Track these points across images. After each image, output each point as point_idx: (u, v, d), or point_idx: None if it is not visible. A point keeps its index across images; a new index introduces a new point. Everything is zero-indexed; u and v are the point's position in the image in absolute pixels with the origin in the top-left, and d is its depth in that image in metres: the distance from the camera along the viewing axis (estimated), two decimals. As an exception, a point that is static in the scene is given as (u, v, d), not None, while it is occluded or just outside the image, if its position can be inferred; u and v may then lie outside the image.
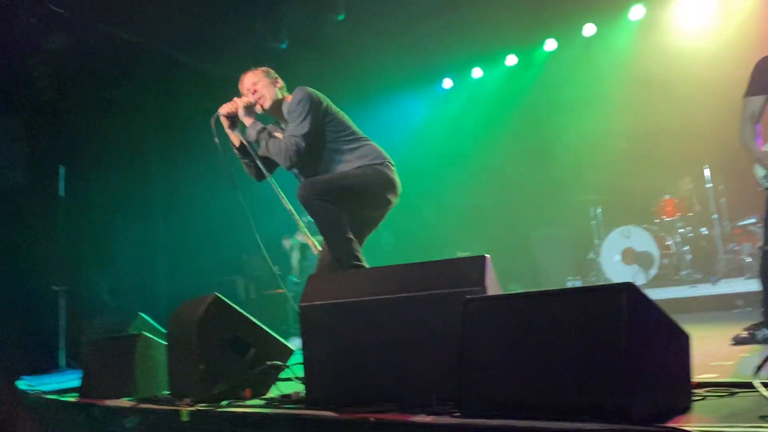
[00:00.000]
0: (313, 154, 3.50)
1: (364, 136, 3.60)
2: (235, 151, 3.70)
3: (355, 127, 3.60)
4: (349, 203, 3.35)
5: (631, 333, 1.68)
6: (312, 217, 3.28)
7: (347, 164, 3.45)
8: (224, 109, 3.59)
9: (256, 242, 3.70)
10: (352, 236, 3.29)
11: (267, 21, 7.75)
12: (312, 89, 3.50)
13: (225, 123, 3.62)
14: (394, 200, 3.55)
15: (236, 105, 3.58)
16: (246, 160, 3.71)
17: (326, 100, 3.54)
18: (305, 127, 3.39)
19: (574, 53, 8.61)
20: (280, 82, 3.70)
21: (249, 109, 3.57)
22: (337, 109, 3.59)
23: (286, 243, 8.91)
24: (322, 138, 3.48)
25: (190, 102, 8.19)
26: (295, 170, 3.65)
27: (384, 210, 3.60)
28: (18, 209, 7.06)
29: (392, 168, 3.54)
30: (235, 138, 3.66)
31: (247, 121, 3.56)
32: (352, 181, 3.38)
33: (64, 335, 6.36)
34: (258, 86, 3.62)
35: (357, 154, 3.48)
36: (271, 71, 3.73)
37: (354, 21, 7.84)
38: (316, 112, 3.44)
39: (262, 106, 3.62)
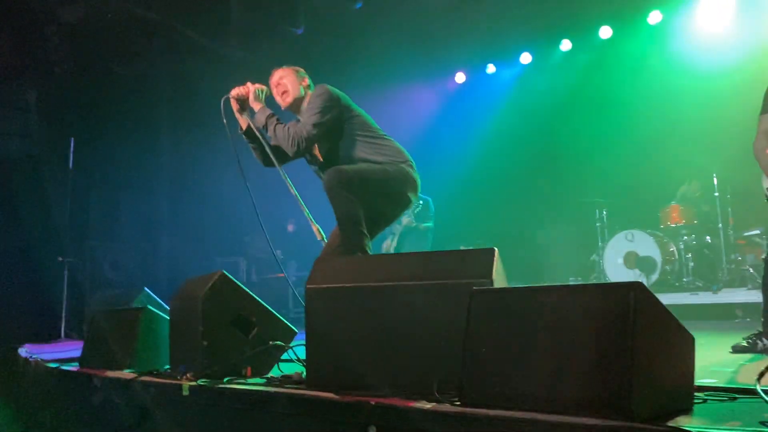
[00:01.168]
0: (333, 150, 3.52)
1: (386, 134, 3.62)
2: (242, 134, 3.72)
3: (377, 126, 3.63)
4: (371, 196, 3.38)
5: (637, 331, 1.69)
6: (332, 203, 3.30)
7: (369, 160, 3.47)
8: (235, 91, 3.63)
9: (260, 225, 3.73)
10: (365, 231, 3.31)
11: (284, 5, 7.74)
12: (332, 87, 3.53)
13: (234, 106, 3.65)
14: (414, 199, 3.58)
15: (248, 89, 3.61)
16: (253, 145, 3.73)
17: (347, 99, 3.57)
18: (319, 118, 3.42)
19: (589, 55, 8.58)
20: (307, 81, 3.72)
21: (259, 94, 3.59)
22: (359, 108, 3.61)
23: (290, 227, 8.94)
24: (341, 134, 3.50)
25: (203, 82, 8.20)
26: (314, 167, 3.67)
27: (403, 208, 3.64)
28: (27, 179, 7.09)
29: (413, 167, 3.56)
30: (243, 121, 3.68)
31: (256, 105, 3.59)
32: (377, 175, 3.41)
33: (66, 306, 6.40)
34: (283, 80, 3.65)
35: (379, 151, 3.50)
36: (301, 70, 3.75)
37: (371, 10, 7.83)
38: (333, 108, 3.47)
39: (283, 101, 3.65)
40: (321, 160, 3.63)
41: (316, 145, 3.65)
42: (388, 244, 8.00)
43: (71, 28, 7.31)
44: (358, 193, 3.29)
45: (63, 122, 7.51)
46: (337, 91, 3.54)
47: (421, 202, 7.83)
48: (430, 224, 8.00)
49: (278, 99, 3.68)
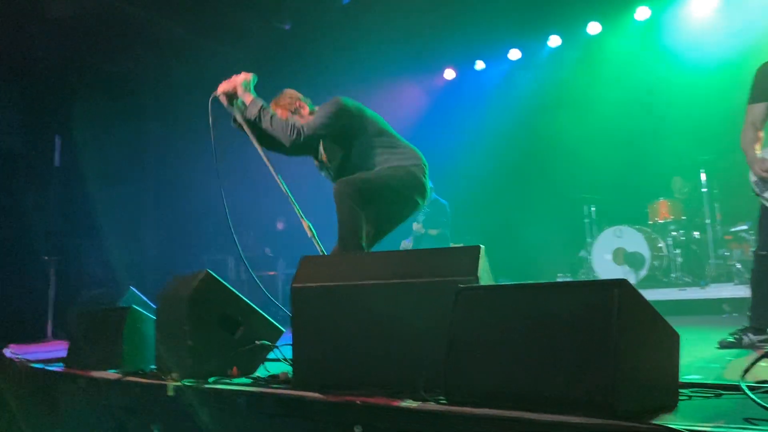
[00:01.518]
0: (347, 156, 3.51)
1: (401, 137, 3.64)
2: (235, 126, 3.67)
3: (391, 130, 3.64)
4: (379, 204, 3.40)
5: (621, 329, 1.69)
6: (338, 213, 3.29)
7: (382, 164, 3.47)
8: (221, 87, 3.57)
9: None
10: (363, 244, 3.31)
11: (271, 1, 7.70)
12: (345, 98, 3.52)
13: (223, 101, 3.60)
14: (422, 202, 3.59)
15: (234, 83, 3.55)
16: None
17: (360, 108, 3.56)
18: (325, 121, 3.40)
19: (578, 51, 8.59)
20: (306, 108, 3.68)
21: (247, 85, 3.54)
22: (374, 115, 3.61)
23: (280, 225, 8.92)
24: (354, 142, 3.50)
25: (189, 77, 8.14)
26: (324, 173, 3.67)
27: (410, 211, 3.64)
28: (12, 177, 7.02)
29: (424, 170, 3.56)
30: (233, 113, 3.63)
31: (247, 98, 3.52)
32: (386, 181, 3.40)
33: (52, 306, 6.34)
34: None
35: (393, 154, 3.51)
36: (296, 100, 3.69)
37: (359, 5, 7.81)
38: (343, 117, 3.45)
39: None
40: (328, 164, 3.64)
41: (325, 152, 3.63)
42: (406, 245, 8.00)
43: (56, 23, 7.23)
44: (365, 204, 3.29)
45: (49, 119, 7.44)
46: (350, 101, 3.53)
47: (427, 209, 7.80)
48: (443, 230, 7.91)
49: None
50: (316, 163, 3.77)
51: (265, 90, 3.74)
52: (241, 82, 3.53)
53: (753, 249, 3.67)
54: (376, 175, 3.42)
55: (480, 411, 1.83)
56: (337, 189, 3.29)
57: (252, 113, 3.50)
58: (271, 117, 3.45)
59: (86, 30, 7.43)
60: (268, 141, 3.60)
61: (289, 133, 3.38)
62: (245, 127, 3.58)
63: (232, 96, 3.58)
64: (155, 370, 3.25)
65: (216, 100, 3.59)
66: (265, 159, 3.61)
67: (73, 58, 7.66)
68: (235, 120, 3.65)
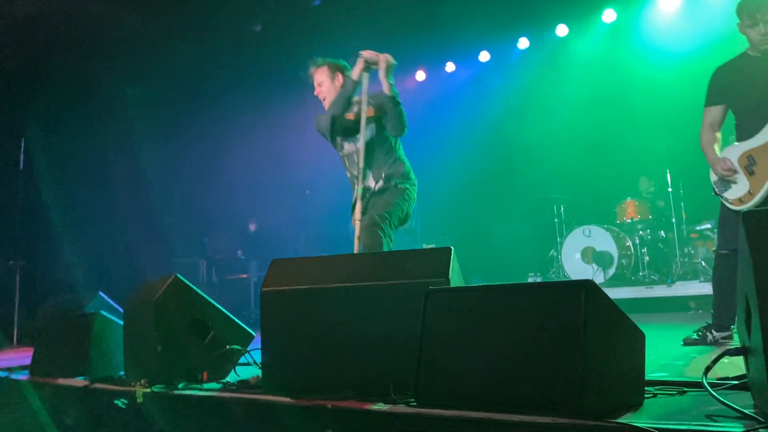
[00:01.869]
0: (371, 145, 3.90)
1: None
2: (348, 84, 3.94)
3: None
4: (396, 226, 3.83)
5: (588, 330, 1.71)
6: (366, 237, 3.63)
7: (394, 166, 3.88)
8: (368, 53, 3.87)
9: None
10: None
11: (242, 2, 7.63)
12: None
13: (360, 64, 3.88)
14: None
15: (379, 57, 3.84)
16: (347, 96, 3.91)
17: None
18: None
19: (546, 53, 8.69)
20: (341, 79, 4.05)
21: (391, 69, 3.83)
22: None
23: (252, 227, 8.85)
24: (381, 131, 3.91)
25: (157, 78, 8.04)
26: (361, 168, 3.90)
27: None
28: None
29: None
30: (357, 75, 3.90)
31: (386, 85, 3.82)
32: (402, 207, 3.83)
33: (17, 311, 6.21)
34: (323, 86, 4.06)
35: (405, 161, 3.98)
36: (333, 65, 4.09)
37: (329, 7, 7.79)
38: None
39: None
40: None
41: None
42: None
43: (21, 22, 7.08)
44: (389, 228, 3.71)
45: (12, 121, 7.28)
46: None
47: None
48: (410, 222, 7.97)
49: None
50: (345, 163, 4.06)
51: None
52: (388, 63, 3.80)
53: (714, 248, 3.76)
54: (395, 209, 3.77)
55: (450, 413, 1.84)
56: (371, 222, 3.66)
57: (391, 95, 3.81)
58: (401, 108, 3.81)
59: (52, 30, 7.28)
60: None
61: (404, 127, 3.84)
62: (363, 96, 3.88)
63: (370, 65, 3.86)
64: (124, 377, 3.21)
65: (358, 56, 3.87)
66: (362, 130, 3.86)
67: (39, 58, 7.51)
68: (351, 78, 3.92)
